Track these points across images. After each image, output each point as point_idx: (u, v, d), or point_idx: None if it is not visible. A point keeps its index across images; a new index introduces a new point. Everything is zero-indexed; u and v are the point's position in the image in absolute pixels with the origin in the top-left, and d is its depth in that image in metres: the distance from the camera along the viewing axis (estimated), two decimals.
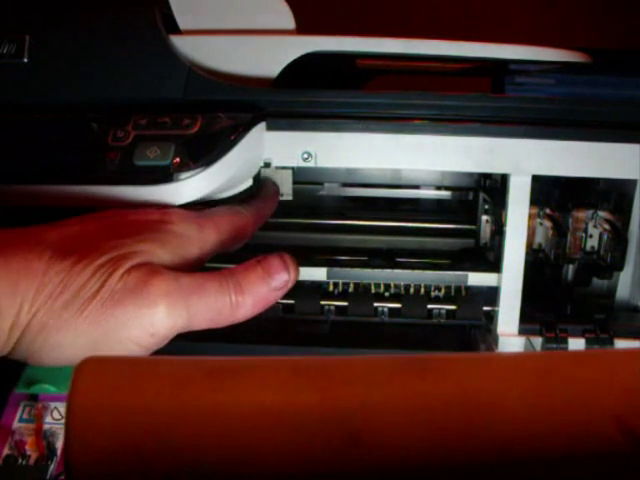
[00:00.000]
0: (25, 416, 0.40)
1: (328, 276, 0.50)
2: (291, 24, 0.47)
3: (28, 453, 0.39)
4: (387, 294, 0.50)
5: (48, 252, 0.34)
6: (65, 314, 0.33)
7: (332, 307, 0.49)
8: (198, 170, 0.41)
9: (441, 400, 0.23)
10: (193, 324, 0.35)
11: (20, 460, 0.38)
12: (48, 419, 0.40)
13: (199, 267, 0.39)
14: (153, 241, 0.36)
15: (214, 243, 0.39)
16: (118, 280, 0.34)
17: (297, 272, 0.39)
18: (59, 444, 0.39)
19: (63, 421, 0.40)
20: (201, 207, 0.41)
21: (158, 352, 0.35)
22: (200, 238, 0.38)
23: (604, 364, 0.25)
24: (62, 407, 0.40)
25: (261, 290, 0.37)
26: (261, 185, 0.48)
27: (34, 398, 0.41)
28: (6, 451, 0.39)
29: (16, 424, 0.40)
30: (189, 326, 0.35)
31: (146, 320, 0.34)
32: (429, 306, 0.49)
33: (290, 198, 0.49)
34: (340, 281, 0.50)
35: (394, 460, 0.22)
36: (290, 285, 0.38)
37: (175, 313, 0.34)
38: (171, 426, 0.22)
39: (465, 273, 0.49)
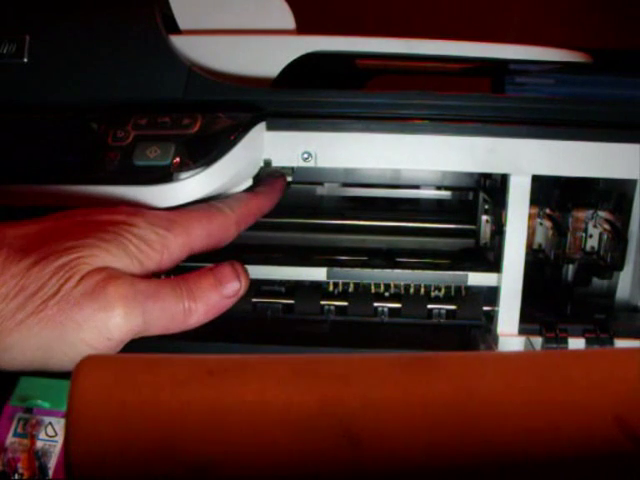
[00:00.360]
0: (19, 430, 0.40)
1: (328, 276, 0.50)
2: (291, 24, 0.47)
3: (20, 471, 0.39)
4: (387, 294, 0.50)
5: (3, 253, 0.34)
6: (19, 315, 0.33)
7: (332, 307, 0.49)
8: (198, 170, 0.41)
9: (441, 400, 0.23)
10: (148, 329, 0.36)
11: (12, 478, 0.38)
12: (42, 435, 0.40)
13: (164, 271, 0.39)
14: (113, 243, 0.36)
15: (180, 248, 0.39)
16: (76, 283, 0.34)
17: (247, 281, 0.39)
18: (52, 464, 0.39)
19: (57, 439, 0.40)
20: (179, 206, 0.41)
21: (158, 352, 0.35)
22: (163, 243, 0.38)
23: (605, 363, 0.25)
24: (57, 423, 0.40)
25: (213, 297, 0.38)
26: (262, 176, 0.47)
27: (29, 410, 0.41)
28: None
29: (10, 439, 0.40)
30: (145, 331, 0.36)
31: (102, 324, 0.34)
32: (429, 306, 0.49)
33: (290, 178, 0.49)
34: (340, 281, 0.50)
35: (394, 460, 0.22)
36: (241, 293, 0.39)
37: (131, 317, 0.35)
38: (171, 425, 0.22)
39: (465, 273, 0.49)
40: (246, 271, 0.40)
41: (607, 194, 0.52)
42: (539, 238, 0.53)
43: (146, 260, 0.37)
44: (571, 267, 0.54)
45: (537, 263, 0.53)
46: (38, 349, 0.34)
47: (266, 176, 0.47)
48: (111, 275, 0.35)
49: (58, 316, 0.33)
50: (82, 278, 0.34)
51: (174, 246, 0.39)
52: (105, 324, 0.34)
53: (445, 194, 0.61)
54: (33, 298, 0.33)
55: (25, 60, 0.45)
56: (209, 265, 0.39)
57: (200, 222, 0.40)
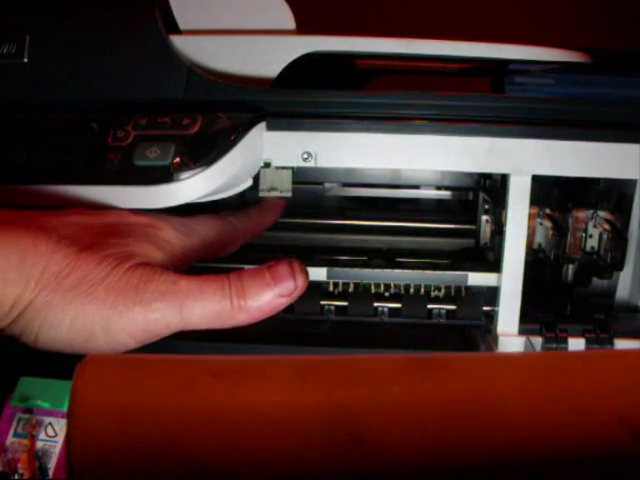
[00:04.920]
0: (20, 430, 0.40)
1: (328, 276, 0.50)
2: (291, 24, 0.47)
3: (20, 471, 0.39)
4: (387, 294, 0.50)
5: (54, 236, 0.36)
6: (71, 294, 0.35)
7: (332, 307, 0.49)
8: (198, 170, 0.41)
9: (445, 401, 0.23)
10: (188, 325, 0.36)
11: (12, 478, 0.38)
12: (42, 436, 0.40)
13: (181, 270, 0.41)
14: (149, 243, 0.38)
15: (196, 253, 0.42)
16: (124, 272, 0.36)
17: (305, 281, 0.39)
18: (52, 464, 0.39)
19: (57, 439, 0.40)
20: (192, 214, 0.43)
21: (158, 352, 0.35)
22: (183, 246, 0.41)
23: (609, 364, 0.25)
24: (57, 424, 0.40)
25: (266, 296, 0.37)
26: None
27: (29, 411, 0.41)
28: None
29: (10, 439, 0.40)
30: (184, 326, 0.37)
31: (141, 317, 0.35)
32: (429, 306, 0.49)
33: (289, 195, 0.49)
34: (340, 281, 0.50)
35: (398, 460, 0.22)
36: (297, 293, 0.38)
37: (168, 314, 0.36)
38: (175, 426, 0.22)
39: (465, 273, 0.49)
40: (305, 271, 0.39)
41: (607, 194, 0.52)
42: (539, 238, 0.53)
43: (173, 260, 0.39)
44: (571, 267, 0.54)
45: (537, 263, 0.53)
46: (81, 330, 0.35)
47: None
48: (155, 271, 0.36)
49: (104, 300, 0.35)
50: (129, 269, 0.36)
51: (194, 249, 0.41)
52: (143, 317, 0.35)
53: (445, 194, 0.61)
54: (84, 280, 0.35)
55: (25, 60, 0.45)
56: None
57: (214, 231, 0.43)
